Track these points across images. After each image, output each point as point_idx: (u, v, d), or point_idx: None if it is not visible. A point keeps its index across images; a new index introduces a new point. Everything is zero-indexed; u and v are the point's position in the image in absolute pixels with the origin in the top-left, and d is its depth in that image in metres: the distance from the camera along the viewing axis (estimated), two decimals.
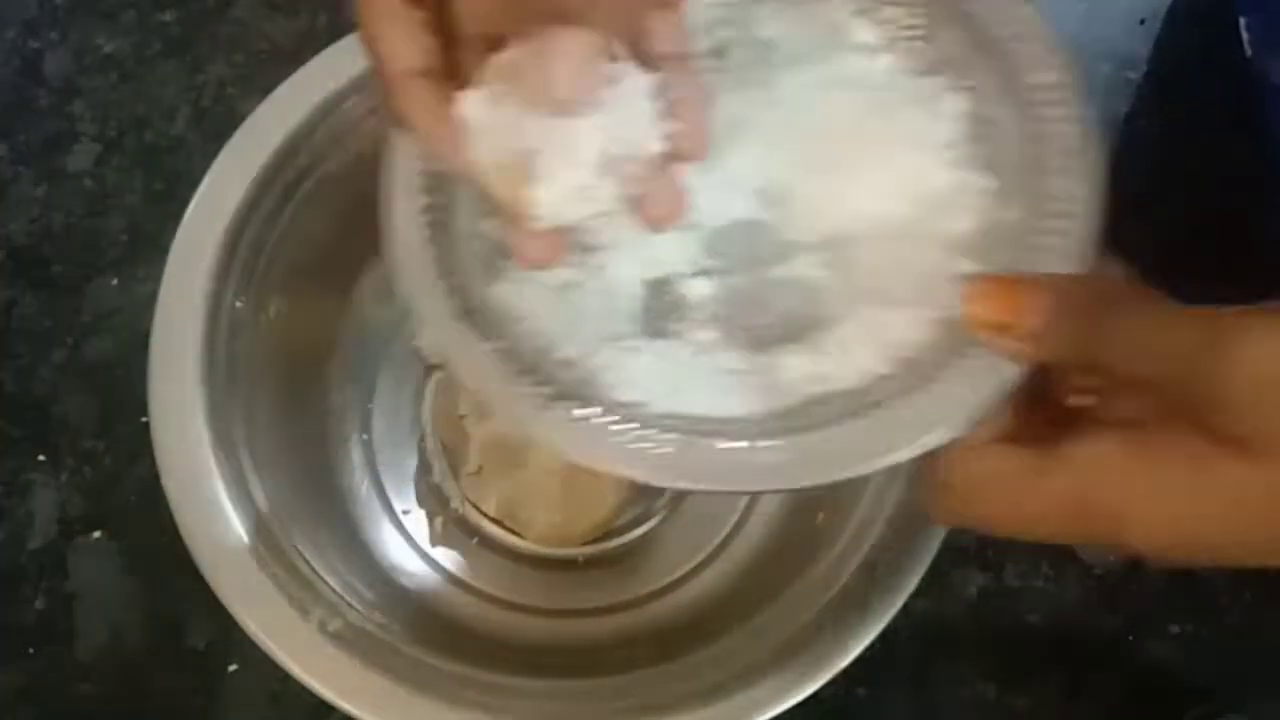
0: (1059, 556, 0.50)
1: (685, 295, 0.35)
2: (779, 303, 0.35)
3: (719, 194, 0.35)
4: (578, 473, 0.46)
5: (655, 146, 0.27)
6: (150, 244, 0.55)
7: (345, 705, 0.37)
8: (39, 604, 0.49)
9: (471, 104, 0.28)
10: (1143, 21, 0.62)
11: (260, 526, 0.39)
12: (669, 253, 0.35)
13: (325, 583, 0.39)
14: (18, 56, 0.60)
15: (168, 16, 0.61)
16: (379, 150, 0.48)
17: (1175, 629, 0.49)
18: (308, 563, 0.39)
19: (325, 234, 0.47)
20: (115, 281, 0.54)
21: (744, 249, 0.36)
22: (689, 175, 0.33)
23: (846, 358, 0.33)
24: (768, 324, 0.34)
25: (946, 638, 0.49)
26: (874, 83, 0.36)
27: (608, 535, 0.48)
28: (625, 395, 0.33)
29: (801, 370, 0.33)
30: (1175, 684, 0.48)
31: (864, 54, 0.36)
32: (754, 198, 0.35)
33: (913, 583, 0.38)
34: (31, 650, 0.48)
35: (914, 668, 0.48)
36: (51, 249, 0.55)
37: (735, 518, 0.48)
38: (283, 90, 0.45)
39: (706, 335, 0.34)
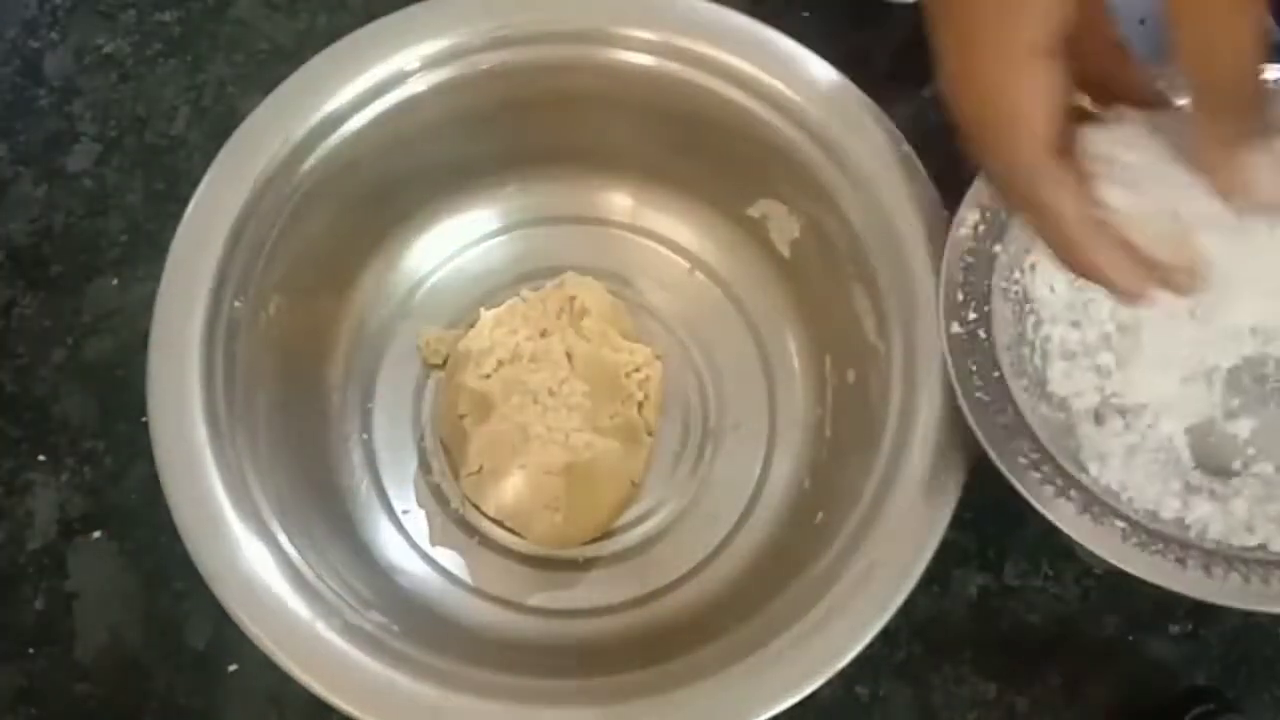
0: (1059, 556, 0.50)
1: (1234, 435, 0.42)
2: None
3: (1226, 339, 0.42)
4: (578, 474, 0.46)
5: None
6: (150, 244, 0.55)
7: (344, 705, 0.37)
8: (39, 604, 0.49)
9: (1111, 194, 0.31)
10: (1142, 21, 0.62)
11: (260, 526, 0.39)
12: (1200, 400, 0.43)
13: (324, 582, 0.39)
14: (18, 56, 0.60)
15: (168, 16, 0.61)
16: (376, 151, 0.48)
17: (1175, 629, 0.49)
18: (307, 562, 0.39)
19: (325, 234, 0.47)
20: (115, 281, 0.54)
21: (1257, 384, 0.43)
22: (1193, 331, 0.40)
23: None
24: None
25: (946, 638, 0.49)
26: None
27: (608, 535, 0.48)
28: (1239, 540, 0.39)
29: None
30: (1175, 684, 0.48)
31: None
32: (1251, 336, 0.42)
33: (912, 583, 0.38)
34: (31, 650, 0.48)
35: (914, 668, 0.48)
36: (51, 249, 0.55)
37: (735, 518, 0.48)
38: (283, 90, 0.45)
39: (1265, 468, 0.42)
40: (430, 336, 0.51)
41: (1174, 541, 0.39)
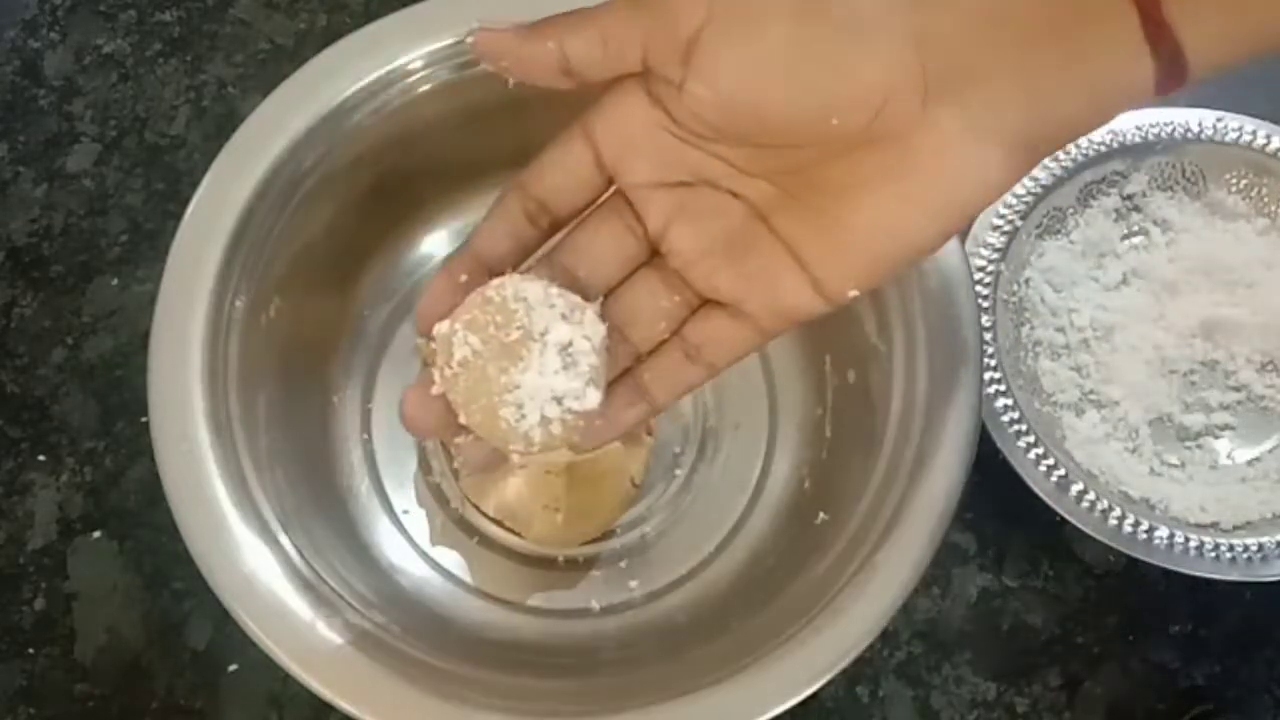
0: (1059, 556, 0.50)
1: (1188, 427, 0.50)
2: (1244, 413, 0.51)
3: (1182, 343, 0.51)
4: (579, 474, 0.46)
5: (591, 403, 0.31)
6: (150, 244, 0.55)
7: (344, 704, 0.37)
8: (39, 604, 0.49)
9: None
10: None
11: (260, 526, 0.39)
12: (1160, 395, 0.51)
13: (325, 583, 0.39)
14: (18, 56, 0.60)
15: (168, 16, 0.61)
16: (378, 150, 0.48)
17: (1175, 629, 0.49)
18: (307, 562, 0.39)
19: (326, 234, 0.47)
20: (115, 281, 0.54)
21: (1205, 382, 0.51)
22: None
23: None
24: (1236, 428, 0.51)
25: (946, 638, 0.49)
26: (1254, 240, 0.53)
27: (607, 536, 0.48)
28: (1195, 518, 0.48)
29: None
30: (1175, 684, 0.48)
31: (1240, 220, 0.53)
32: (1203, 340, 0.51)
33: (913, 584, 0.38)
34: (31, 650, 0.48)
35: (914, 668, 0.48)
36: (51, 249, 0.55)
37: (735, 519, 0.48)
38: (284, 90, 0.45)
39: (1211, 455, 0.50)
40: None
41: (1144, 518, 0.47)
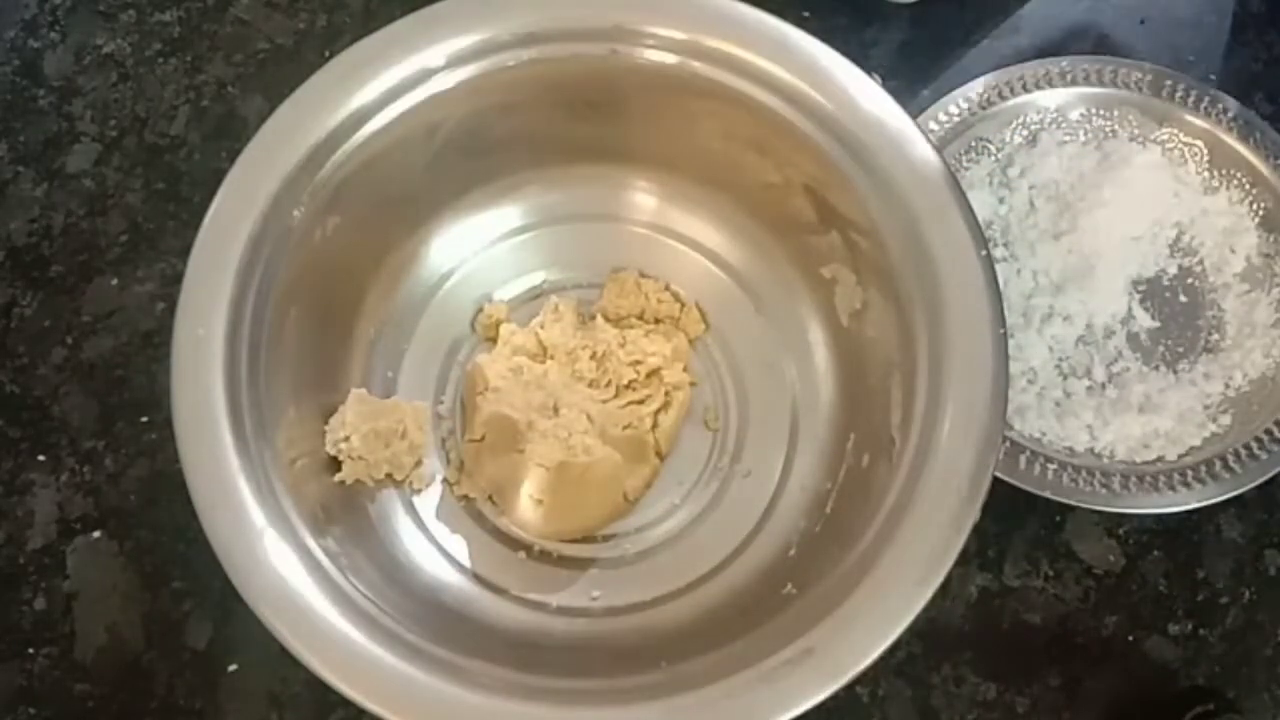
0: (1059, 556, 0.50)
1: (1100, 377, 0.52)
2: (1142, 343, 0.55)
3: (1107, 300, 0.54)
4: (569, 475, 0.46)
5: None
6: (150, 244, 0.55)
7: (359, 698, 0.36)
8: (39, 604, 0.49)
9: None
10: (1143, 21, 0.62)
11: (287, 531, 0.39)
12: (1082, 356, 0.53)
13: (352, 584, 0.39)
14: (18, 56, 0.60)
15: (168, 16, 0.61)
16: (397, 155, 0.47)
17: (1175, 629, 0.49)
18: (331, 560, 0.39)
19: (346, 238, 0.46)
20: (115, 281, 0.54)
21: (1131, 342, 0.54)
22: None
23: None
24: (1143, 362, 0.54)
25: (946, 638, 0.49)
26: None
27: (623, 537, 0.48)
28: (1141, 456, 0.50)
29: None
30: (1175, 684, 0.48)
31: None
32: (1127, 295, 0.54)
33: (934, 585, 0.38)
34: (31, 650, 0.48)
35: (914, 668, 0.48)
36: (51, 249, 0.55)
37: (752, 525, 0.48)
38: (304, 92, 0.44)
39: (1133, 392, 0.52)
40: (490, 309, 0.51)
41: (1095, 470, 0.49)
